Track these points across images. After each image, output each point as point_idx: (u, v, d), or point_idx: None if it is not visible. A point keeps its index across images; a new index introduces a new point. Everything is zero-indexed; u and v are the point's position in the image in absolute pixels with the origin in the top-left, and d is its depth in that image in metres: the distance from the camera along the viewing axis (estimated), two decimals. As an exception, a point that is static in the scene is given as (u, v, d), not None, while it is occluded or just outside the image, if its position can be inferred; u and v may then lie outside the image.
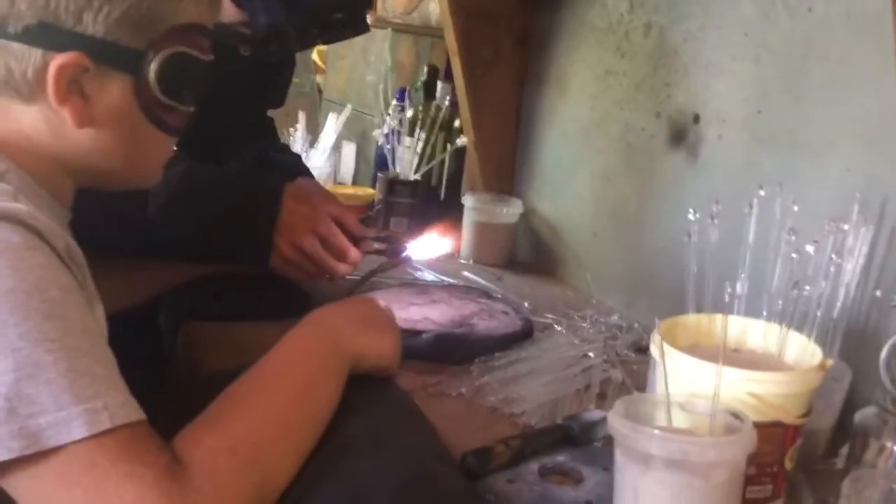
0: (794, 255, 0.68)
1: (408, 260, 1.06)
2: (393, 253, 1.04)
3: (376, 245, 1.02)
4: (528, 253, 1.43)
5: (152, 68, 0.64)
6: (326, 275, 0.98)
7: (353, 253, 0.97)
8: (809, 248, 0.68)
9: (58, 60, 0.61)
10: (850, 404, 0.81)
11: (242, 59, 1.00)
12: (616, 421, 0.60)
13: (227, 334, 0.92)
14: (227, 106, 1.10)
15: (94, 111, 0.63)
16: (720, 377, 0.61)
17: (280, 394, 0.64)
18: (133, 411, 0.55)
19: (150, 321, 1.04)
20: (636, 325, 1.10)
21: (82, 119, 0.63)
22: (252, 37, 0.94)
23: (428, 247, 1.08)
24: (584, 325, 1.10)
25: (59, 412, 0.51)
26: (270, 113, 1.29)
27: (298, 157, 1.23)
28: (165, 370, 1.02)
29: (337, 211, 0.97)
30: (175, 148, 1.08)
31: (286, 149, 1.25)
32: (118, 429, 0.53)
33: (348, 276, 1.01)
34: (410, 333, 0.92)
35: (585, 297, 1.24)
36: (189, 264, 0.97)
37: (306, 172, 1.14)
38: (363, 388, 0.73)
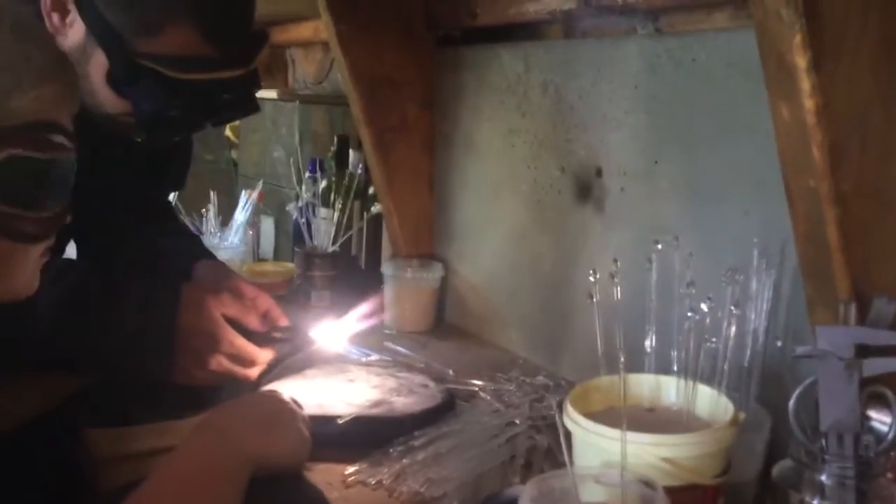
0: (689, 314, 0.67)
1: (317, 348, 1.03)
2: (301, 342, 1.01)
3: (284, 335, 0.99)
4: (454, 316, 1.40)
5: None
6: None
7: (262, 356, 0.94)
8: (703, 306, 0.67)
9: None
10: (776, 449, 0.80)
11: (133, 146, 0.97)
12: (525, 506, 0.57)
13: (126, 441, 0.86)
14: (119, 194, 1.07)
15: None
16: (625, 445, 0.59)
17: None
18: None
19: (55, 433, 0.98)
20: (563, 383, 1.08)
21: None
22: (137, 125, 0.91)
23: (337, 333, 1.05)
24: (509, 387, 1.07)
25: None
26: (186, 194, 1.26)
27: (195, 238, 1.20)
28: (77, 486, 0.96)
29: (237, 311, 0.94)
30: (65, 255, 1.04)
31: (183, 230, 1.22)
32: None
33: None
34: (324, 419, 0.88)
35: (512, 358, 1.22)
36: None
37: (204, 254, 1.11)
38: (270, 489, 0.70)
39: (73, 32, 0.89)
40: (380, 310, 1.35)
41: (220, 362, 0.91)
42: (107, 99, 0.91)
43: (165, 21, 0.85)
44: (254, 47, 0.92)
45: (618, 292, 0.73)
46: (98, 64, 0.89)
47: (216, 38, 0.87)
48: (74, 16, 0.87)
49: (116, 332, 0.88)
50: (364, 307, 1.14)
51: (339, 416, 0.90)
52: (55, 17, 0.88)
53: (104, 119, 0.92)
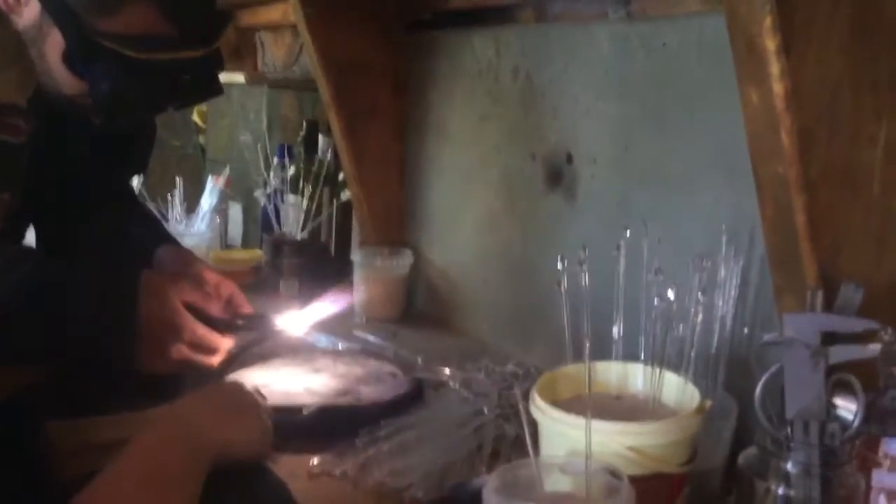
0: (656, 301, 0.66)
1: (279, 336, 1.01)
2: (264, 331, 0.99)
3: (246, 323, 0.96)
4: (424, 303, 1.39)
5: None
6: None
7: (224, 344, 0.92)
8: (670, 294, 0.66)
9: None
10: (744, 436, 0.80)
11: (91, 128, 0.94)
12: (490, 497, 0.56)
13: (86, 432, 0.84)
14: (79, 178, 1.04)
15: None
16: (590, 434, 0.58)
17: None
18: None
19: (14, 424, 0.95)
20: (533, 371, 1.07)
21: None
22: (94, 106, 0.88)
23: (303, 321, 1.03)
24: (479, 376, 1.06)
25: None
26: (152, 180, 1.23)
27: (158, 224, 1.17)
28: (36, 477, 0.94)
29: (198, 298, 0.91)
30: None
31: (145, 216, 1.19)
32: None
33: None
34: (290, 410, 0.86)
35: (482, 346, 1.21)
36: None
37: (166, 239, 1.09)
38: (232, 481, 0.68)
39: (28, 11, 0.86)
40: (348, 297, 1.33)
41: (180, 351, 0.89)
42: (63, 79, 0.88)
43: (124, -1, 0.82)
44: (216, 27, 0.90)
45: (586, 279, 0.72)
46: (54, 43, 0.86)
47: (176, 16, 0.84)
48: None
49: (74, 321, 0.86)
50: (331, 295, 1.12)
51: (304, 406, 0.88)
52: None
53: (61, 100, 0.90)
